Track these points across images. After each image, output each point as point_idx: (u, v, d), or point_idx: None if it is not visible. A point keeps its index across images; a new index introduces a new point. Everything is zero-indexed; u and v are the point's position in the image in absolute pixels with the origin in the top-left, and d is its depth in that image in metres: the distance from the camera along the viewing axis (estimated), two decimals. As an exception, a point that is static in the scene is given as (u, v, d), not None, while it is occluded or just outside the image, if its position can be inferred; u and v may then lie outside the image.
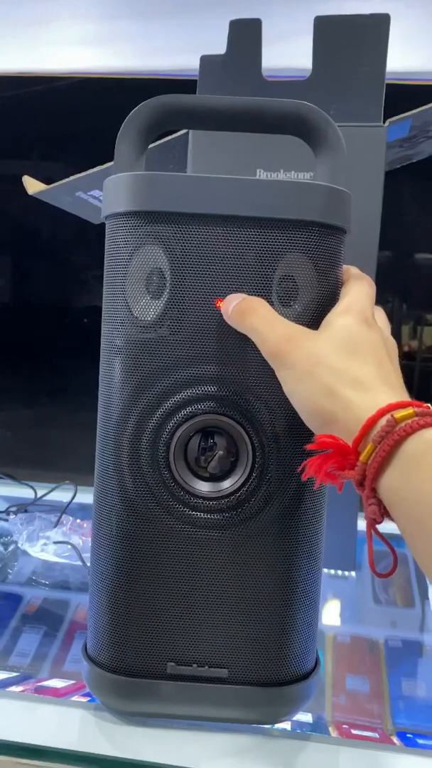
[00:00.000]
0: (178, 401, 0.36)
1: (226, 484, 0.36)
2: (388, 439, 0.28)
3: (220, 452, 0.36)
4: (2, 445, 0.92)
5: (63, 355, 1.11)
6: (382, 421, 0.29)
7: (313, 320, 0.36)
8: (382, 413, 0.29)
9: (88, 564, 0.58)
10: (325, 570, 0.60)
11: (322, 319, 0.36)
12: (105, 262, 0.38)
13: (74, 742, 0.36)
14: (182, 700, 0.37)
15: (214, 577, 0.36)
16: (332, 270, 0.37)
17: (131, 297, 0.36)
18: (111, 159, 0.64)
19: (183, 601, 0.37)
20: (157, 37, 0.94)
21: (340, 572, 0.60)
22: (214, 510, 0.36)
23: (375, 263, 0.58)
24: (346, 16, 0.57)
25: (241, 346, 0.35)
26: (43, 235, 1.14)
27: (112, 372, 0.37)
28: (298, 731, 0.40)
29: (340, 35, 0.57)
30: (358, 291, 0.36)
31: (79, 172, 0.67)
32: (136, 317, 0.36)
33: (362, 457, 0.29)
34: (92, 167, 0.66)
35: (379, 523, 0.30)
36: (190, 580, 0.36)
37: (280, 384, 0.35)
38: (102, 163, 0.66)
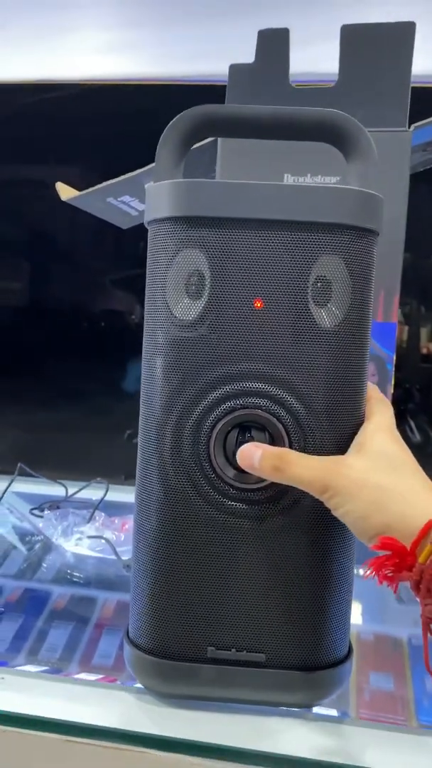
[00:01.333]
0: (217, 397, 0.38)
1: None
2: None
3: None
4: (25, 447, 0.94)
5: (80, 359, 1.13)
6: None
7: (346, 320, 0.37)
8: None
9: (122, 558, 0.60)
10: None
11: (355, 319, 0.37)
12: (147, 264, 0.39)
13: (118, 721, 0.38)
14: (221, 684, 0.39)
15: (252, 565, 0.38)
16: (365, 271, 0.38)
17: (172, 298, 0.38)
18: (132, 165, 0.66)
19: (222, 588, 0.38)
20: (178, 43, 0.96)
21: (362, 570, 0.61)
22: (252, 501, 0.38)
23: (401, 266, 0.59)
24: (372, 24, 0.59)
25: (279, 343, 0.37)
26: (60, 241, 1.17)
27: (153, 369, 0.39)
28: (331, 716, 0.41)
29: (366, 43, 0.59)
30: (384, 409, 0.39)
31: (100, 177, 0.69)
32: (177, 317, 0.38)
33: (420, 559, 0.31)
34: (114, 174, 0.68)
35: None
36: (229, 568, 0.38)
37: (317, 379, 0.36)
38: (123, 169, 0.68)
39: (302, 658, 0.39)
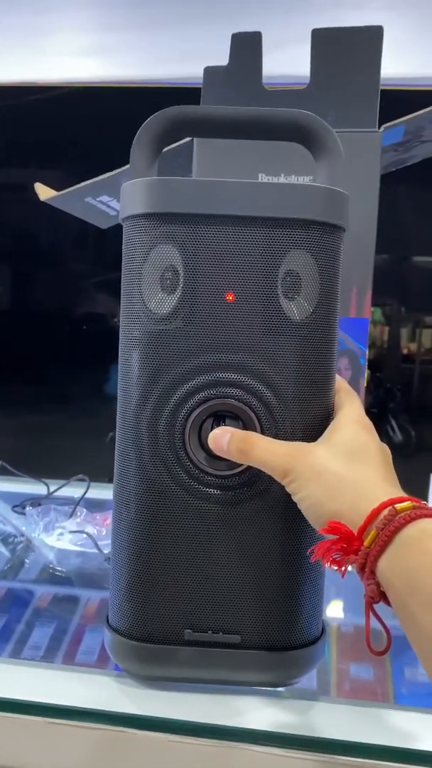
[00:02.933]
0: (191, 387, 0.39)
1: (238, 463, 0.39)
2: (389, 526, 0.32)
3: None
4: (8, 449, 0.94)
5: (64, 363, 1.13)
6: (385, 512, 0.33)
7: (315, 312, 0.39)
8: (384, 506, 0.33)
9: (104, 551, 0.61)
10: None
11: (324, 312, 0.39)
12: (122, 260, 0.41)
13: (98, 703, 0.39)
14: (198, 665, 0.40)
15: (227, 548, 0.39)
16: (332, 266, 0.40)
17: (147, 292, 0.39)
18: (112, 166, 0.67)
19: (198, 572, 0.39)
20: (156, 46, 0.97)
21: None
22: (226, 487, 0.39)
23: (372, 263, 0.61)
24: (341, 28, 0.60)
25: (250, 335, 0.38)
26: (43, 244, 1.17)
27: (130, 361, 0.40)
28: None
29: (336, 46, 0.61)
30: (352, 400, 0.41)
31: (80, 179, 0.70)
32: (152, 311, 0.39)
33: (366, 543, 0.33)
34: (93, 175, 0.69)
35: (376, 602, 0.33)
36: (205, 552, 0.39)
37: (288, 369, 0.38)
38: (103, 170, 0.69)
39: (276, 638, 0.40)
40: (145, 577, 0.40)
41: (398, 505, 0.33)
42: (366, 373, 0.62)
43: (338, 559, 0.34)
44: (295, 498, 0.37)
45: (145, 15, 0.97)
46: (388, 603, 0.33)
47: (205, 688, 0.41)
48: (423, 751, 0.37)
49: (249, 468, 0.39)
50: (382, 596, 0.33)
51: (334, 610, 0.56)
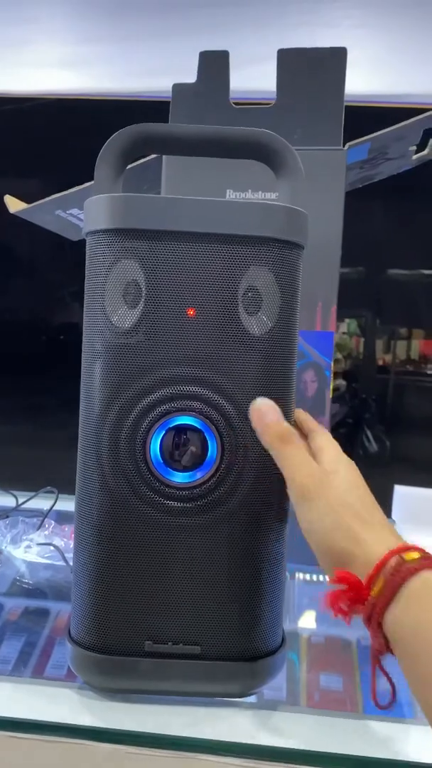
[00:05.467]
0: (152, 400, 0.40)
1: (197, 476, 0.40)
2: (396, 577, 0.32)
3: (192, 447, 0.40)
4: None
5: (39, 373, 1.13)
6: (392, 562, 0.33)
7: (275, 327, 0.40)
8: (392, 554, 0.33)
9: (71, 563, 0.61)
10: (300, 575, 0.63)
11: (283, 327, 0.40)
12: (86, 274, 0.41)
13: (60, 716, 0.39)
14: (159, 676, 0.40)
15: (187, 560, 0.40)
16: (292, 282, 0.41)
17: (110, 306, 0.40)
18: (86, 178, 0.68)
19: (159, 584, 0.40)
20: (131, 60, 0.98)
21: (315, 577, 0.63)
22: (186, 499, 0.40)
23: (337, 278, 0.62)
24: (306, 49, 0.62)
25: (211, 349, 0.39)
26: (19, 254, 1.17)
27: (92, 374, 0.41)
28: (268, 704, 0.43)
29: (302, 66, 0.62)
30: (330, 440, 0.40)
31: (53, 191, 0.70)
32: (114, 325, 0.40)
33: (373, 593, 0.33)
34: (67, 186, 0.70)
35: (383, 655, 0.33)
36: (165, 564, 0.40)
37: (247, 383, 0.39)
38: (76, 183, 0.69)
39: (236, 649, 0.40)
40: (105, 589, 0.40)
41: (406, 555, 0.33)
42: (331, 385, 0.63)
43: (345, 609, 0.34)
44: (304, 525, 0.36)
45: (119, 28, 0.98)
46: (393, 654, 0.33)
47: (166, 699, 0.41)
48: (385, 759, 0.38)
49: (209, 479, 0.40)
50: (389, 648, 0.33)
51: (306, 621, 0.57)
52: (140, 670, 0.40)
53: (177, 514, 0.40)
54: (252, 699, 0.42)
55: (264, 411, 0.39)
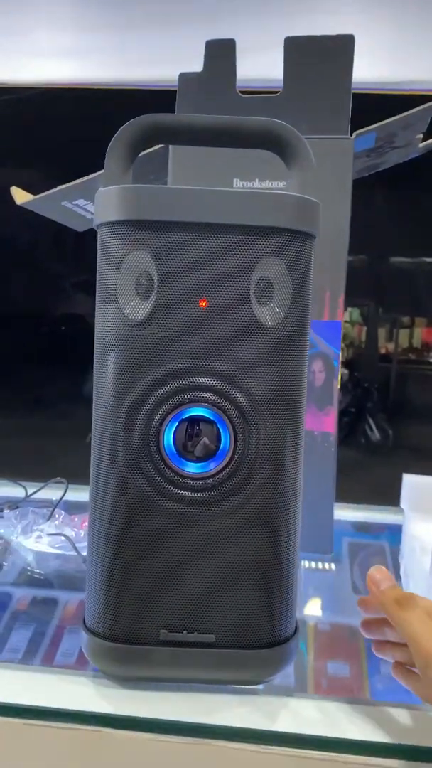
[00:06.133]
0: (166, 392, 0.40)
1: (211, 466, 0.40)
2: None
3: (205, 438, 0.40)
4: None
5: (42, 365, 1.13)
6: None
7: (287, 318, 0.40)
8: None
9: (83, 553, 0.62)
10: (306, 563, 0.63)
11: (295, 317, 0.40)
12: (97, 266, 0.41)
13: (76, 703, 0.40)
14: (174, 665, 0.41)
15: (201, 549, 0.40)
16: (304, 272, 0.41)
17: (122, 298, 0.40)
18: (88, 169, 0.67)
19: (173, 573, 0.40)
20: (132, 48, 0.97)
21: (320, 565, 0.64)
22: (200, 489, 0.40)
23: (345, 267, 0.62)
24: (314, 36, 0.62)
25: (223, 340, 0.39)
26: (20, 246, 1.17)
27: (105, 367, 0.41)
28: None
29: (309, 54, 0.62)
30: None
31: (56, 182, 0.70)
32: (127, 317, 0.40)
33: None
34: (68, 177, 0.70)
35: None
36: (180, 553, 0.40)
37: (260, 374, 0.39)
38: (78, 173, 0.69)
39: (250, 637, 0.41)
40: (120, 578, 0.40)
41: None
42: (339, 375, 0.64)
43: None
44: (423, 692, 0.36)
45: (120, 16, 0.97)
46: None
47: (180, 687, 0.41)
48: (397, 744, 0.38)
49: (222, 470, 0.40)
50: None
51: (312, 609, 0.57)
52: (155, 658, 0.40)
53: (191, 504, 0.40)
54: (260, 687, 0.43)
55: (379, 578, 0.40)
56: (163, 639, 0.40)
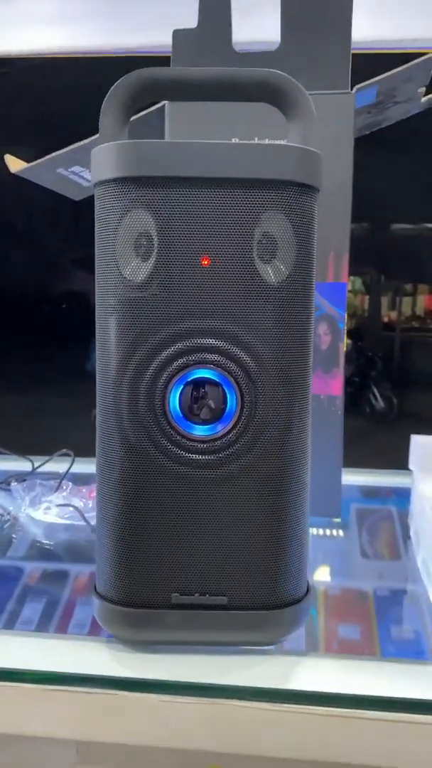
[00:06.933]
0: (170, 354, 0.39)
1: (218, 428, 0.40)
2: None
3: (211, 400, 0.39)
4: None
5: (42, 342, 1.12)
6: None
7: (291, 275, 0.39)
8: None
9: (92, 523, 0.61)
10: (313, 530, 0.63)
11: (300, 274, 0.39)
12: (95, 227, 0.40)
13: (92, 668, 0.40)
14: (187, 627, 0.41)
15: (211, 512, 0.40)
16: (308, 227, 0.40)
17: (121, 259, 0.39)
18: (79, 138, 0.66)
19: (183, 536, 0.40)
20: (122, 15, 0.95)
21: (328, 531, 0.64)
22: (207, 451, 0.39)
23: (349, 227, 0.61)
24: (311, -12, 0.59)
25: (227, 299, 0.38)
26: (16, 222, 1.15)
27: (107, 330, 0.40)
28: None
29: (306, 8, 0.60)
30: None
31: (46, 152, 0.68)
32: (127, 278, 0.39)
33: None
34: (59, 147, 0.68)
35: None
36: (189, 516, 0.40)
37: (265, 333, 0.38)
38: (70, 143, 0.67)
39: (262, 598, 0.41)
40: (130, 544, 0.40)
41: None
42: (345, 337, 0.63)
43: None
44: None
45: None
46: None
47: (194, 650, 0.41)
48: (409, 699, 0.38)
49: (229, 432, 0.39)
50: None
51: (321, 575, 0.57)
52: (168, 621, 0.40)
53: (200, 467, 0.39)
54: (272, 648, 0.43)
55: None
56: (176, 602, 0.40)
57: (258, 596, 0.41)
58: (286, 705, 0.38)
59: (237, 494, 0.40)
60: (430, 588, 0.52)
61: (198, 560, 0.40)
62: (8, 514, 0.66)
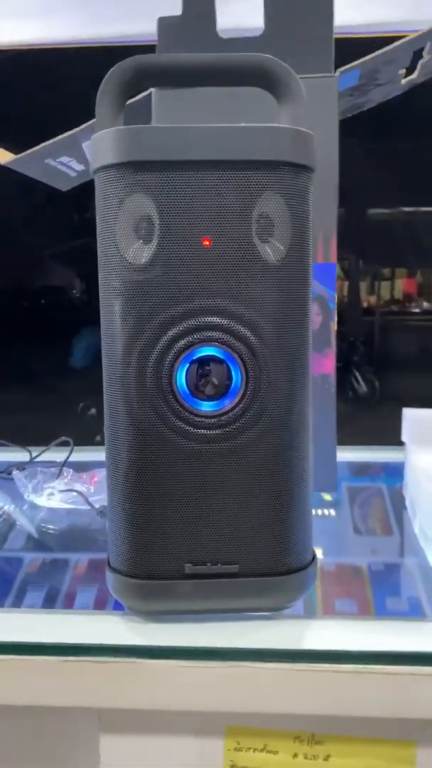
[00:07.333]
0: (174, 334, 0.40)
1: (225, 403, 0.41)
2: None
3: (216, 377, 0.41)
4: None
5: (23, 338, 1.11)
6: None
7: (289, 253, 0.40)
8: None
9: (96, 506, 0.63)
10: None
11: (297, 253, 0.41)
12: (97, 213, 0.41)
13: (108, 638, 0.41)
14: (200, 596, 0.42)
15: (220, 484, 0.41)
16: (303, 206, 0.41)
17: (123, 243, 0.40)
18: (61, 128, 0.66)
19: (194, 508, 0.41)
20: (99, 4, 0.94)
21: (321, 512, 0.65)
22: (215, 426, 0.41)
23: (336, 208, 0.62)
24: (293, -27, 0.60)
25: (228, 278, 0.40)
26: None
27: (112, 313, 0.41)
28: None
29: (289, -8, 0.61)
30: None
31: (26, 145, 0.69)
32: (129, 262, 0.40)
33: None
34: (40, 140, 0.68)
35: None
36: (199, 489, 0.41)
37: (266, 310, 0.40)
38: (49, 135, 0.68)
39: (271, 565, 0.42)
40: (142, 518, 0.42)
41: None
42: (336, 317, 0.64)
43: None
44: None
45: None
46: None
47: (207, 618, 0.43)
48: (409, 652, 0.40)
49: (235, 406, 0.41)
50: None
51: (317, 553, 0.59)
52: (181, 591, 0.42)
53: (208, 441, 0.41)
54: (282, 613, 0.44)
55: None
56: (188, 572, 0.42)
57: (267, 564, 0.42)
58: (298, 664, 0.40)
59: (245, 466, 0.41)
60: (428, 553, 0.54)
61: (209, 531, 0.42)
62: (11, 504, 0.66)
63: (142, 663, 0.40)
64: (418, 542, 0.57)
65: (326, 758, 0.41)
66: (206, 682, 0.40)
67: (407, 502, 0.64)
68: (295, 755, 0.41)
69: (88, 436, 0.81)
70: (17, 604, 0.49)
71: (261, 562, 0.42)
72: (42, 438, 0.78)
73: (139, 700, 0.40)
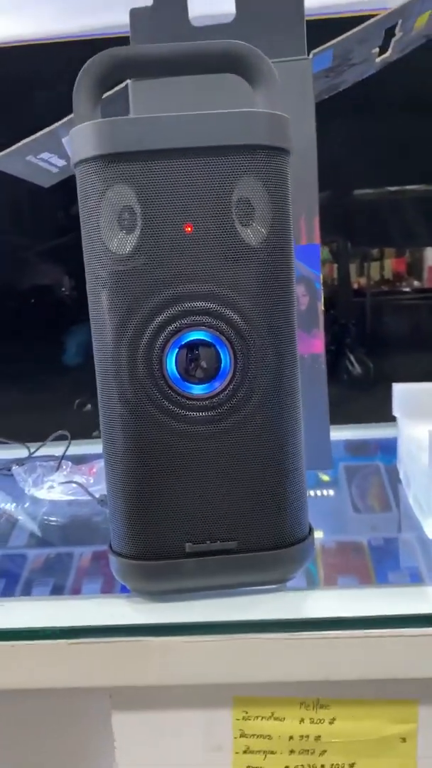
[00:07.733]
0: (162, 320, 0.41)
1: (215, 385, 0.42)
2: None
3: (204, 361, 0.42)
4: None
5: (12, 339, 1.11)
6: None
7: (270, 236, 0.41)
8: None
9: (97, 496, 0.64)
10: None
11: (278, 235, 0.41)
12: (79, 205, 0.42)
13: (113, 619, 0.43)
14: (201, 574, 0.43)
15: (215, 464, 0.42)
16: (281, 188, 0.42)
17: (107, 234, 0.41)
18: (38, 128, 0.66)
19: (191, 489, 0.42)
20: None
21: (319, 492, 0.66)
22: (207, 408, 0.42)
23: (316, 189, 0.63)
24: (261, -43, 0.61)
25: (212, 263, 0.41)
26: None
27: (100, 303, 0.42)
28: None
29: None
30: None
31: (5, 144, 0.69)
32: (113, 252, 0.41)
33: None
34: (17, 137, 0.69)
35: None
36: (195, 470, 0.42)
37: (251, 292, 0.40)
38: (28, 133, 0.68)
39: (269, 539, 0.44)
40: (141, 501, 0.43)
41: None
42: (322, 297, 0.65)
43: None
44: None
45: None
46: None
47: (209, 595, 0.44)
48: (408, 614, 0.42)
49: (225, 388, 0.42)
50: None
51: (317, 532, 0.60)
52: (183, 570, 0.43)
53: (201, 423, 0.42)
54: (282, 586, 0.46)
55: None
56: (189, 551, 0.43)
57: (265, 538, 0.44)
58: (300, 633, 0.41)
59: (238, 445, 0.42)
60: (423, 522, 0.55)
61: (207, 510, 0.43)
62: (12, 502, 0.67)
63: (149, 641, 0.41)
64: (416, 516, 0.58)
65: (332, 721, 0.42)
66: (212, 656, 0.41)
67: (401, 475, 0.66)
68: (302, 720, 0.42)
69: (84, 433, 0.82)
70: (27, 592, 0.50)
71: (259, 537, 0.44)
72: (39, 436, 0.79)
73: (148, 677, 0.42)
